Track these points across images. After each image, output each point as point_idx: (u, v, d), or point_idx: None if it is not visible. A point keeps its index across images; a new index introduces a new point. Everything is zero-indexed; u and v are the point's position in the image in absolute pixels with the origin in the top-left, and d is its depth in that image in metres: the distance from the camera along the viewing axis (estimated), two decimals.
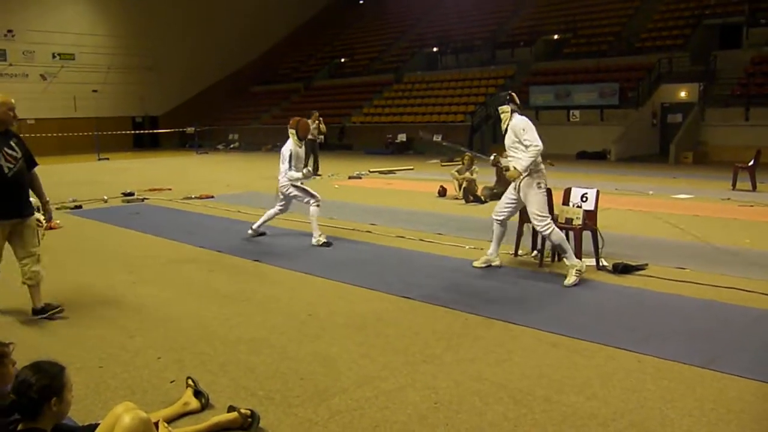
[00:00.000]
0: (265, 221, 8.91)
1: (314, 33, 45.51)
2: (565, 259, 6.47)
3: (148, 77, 37.28)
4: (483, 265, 6.90)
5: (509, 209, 6.78)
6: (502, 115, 6.61)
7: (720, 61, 24.11)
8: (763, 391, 3.83)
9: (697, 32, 26.27)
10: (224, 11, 39.84)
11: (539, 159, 6.46)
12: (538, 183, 6.44)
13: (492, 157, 7.19)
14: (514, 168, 6.45)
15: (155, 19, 37.11)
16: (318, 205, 8.46)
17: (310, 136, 18.02)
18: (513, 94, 6.69)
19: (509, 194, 6.73)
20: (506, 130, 6.57)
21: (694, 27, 26.51)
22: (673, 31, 26.83)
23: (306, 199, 8.51)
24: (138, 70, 36.93)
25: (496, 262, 6.95)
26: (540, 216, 6.43)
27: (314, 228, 8.41)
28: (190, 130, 32.90)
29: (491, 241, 6.98)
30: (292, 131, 8.52)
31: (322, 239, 8.31)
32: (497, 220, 6.84)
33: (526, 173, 6.42)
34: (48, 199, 5.74)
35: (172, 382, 4.08)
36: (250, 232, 8.92)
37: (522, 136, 6.38)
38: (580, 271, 6.30)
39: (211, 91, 40.97)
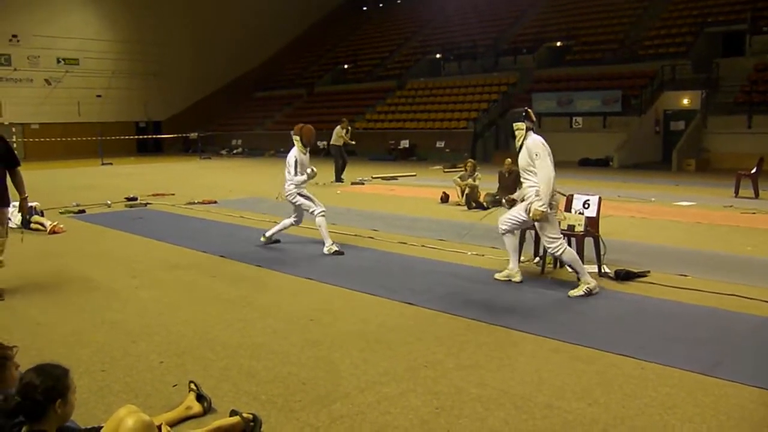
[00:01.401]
0: (278, 231, 8.74)
1: (318, 39, 45.66)
2: (579, 277, 6.27)
3: (152, 83, 37.39)
4: (504, 279, 6.69)
5: (512, 222, 6.56)
6: (516, 132, 6.36)
7: (722, 68, 24.13)
8: (764, 398, 3.84)
9: (700, 40, 26.27)
10: (228, 18, 39.99)
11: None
12: (550, 204, 6.25)
13: (504, 201, 7.00)
14: (537, 209, 6.14)
15: (160, 25, 37.25)
16: (324, 215, 8.36)
17: (335, 143, 18.11)
18: (529, 110, 6.47)
19: (519, 211, 6.51)
20: (521, 148, 6.33)
21: (696, 34, 26.52)
22: (676, 38, 26.85)
23: (312, 209, 8.39)
24: (142, 76, 37.06)
25: (517, 278, 6.67)
26: (551, 238, 6.26)
27: (325, 236, 8.27)
28: (193, 135, 33.02)
29: (509, 256, 6.77)
30: (296, 138, 8.48)
31: (334, 247, 8.18)
32: (502, 230, 6.62)
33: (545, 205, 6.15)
34: (26, 195, 6.50)
35: (174, 386, 4.09)
36: (262, 239, 8.76)
37: (535, 161, 6.18)
38: (590, 289, 6.11)
39: (215, 97, 41.10)
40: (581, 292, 6.11)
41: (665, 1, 29.89)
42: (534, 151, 6.18)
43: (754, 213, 11.29)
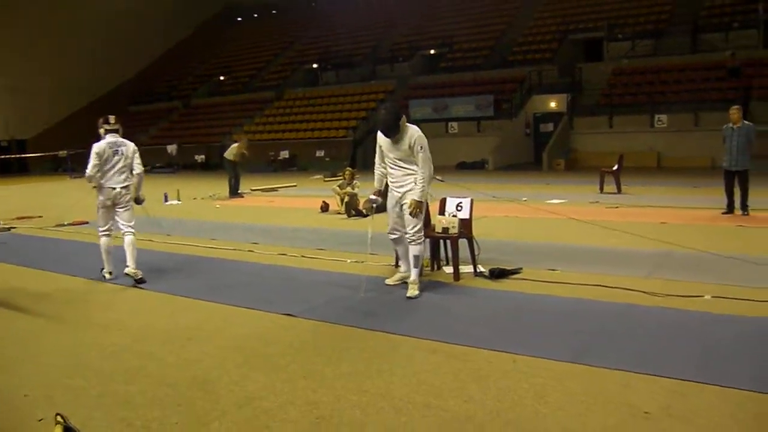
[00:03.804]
0: (107, 257, 7.60)
1: (192, 50, 44.67)
2: (413, 273, 6.41)
3: (11, 99, 35.12)
4: (397, 282, 6.71)
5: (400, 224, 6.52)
6: (402, 125, 6.23)
7: (585, 73, 25.60)
8: (626, 380, 4.08)
9: (564, 46, 27.77)
10: (94, 29, 38.36)
11: None
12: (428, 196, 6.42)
13: (370, 203, 6.78)
14: (415, 201, 6.20)
15: (16, 37, 35.13)
16: (108, 235, 7.55)
17: (231, 158, 17.45)
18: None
19: (396, 210, 6.52)
20: (399, 139, 6.23)
21: (560, 41, 28.01)
22: (542, 45, 28.23)
23: (100, 224, 7.56)
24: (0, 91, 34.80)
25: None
26: (420, 228, 6.34)
27: (105, 259, 7.55)
28: (62, 153, 31.36)
29: (399, 259, 6.90)
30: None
31: (138, 274, 7.28)
32: (392, 237, 6.67)
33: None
34: None
35: (40, 420, 3.86)
36: (129, 273, 7.36)
37: (419, 153, 6.16)
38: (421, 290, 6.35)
39: (84, 112, 39.13)
40: (417, 292, 6.30)
41: (532, 10, 31.35)
42: (419, 144, 6.18)
43: (617, 207, 12.00)
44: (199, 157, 31.90)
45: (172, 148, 32.60)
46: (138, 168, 7.57)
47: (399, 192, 6.41)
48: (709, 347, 4.60)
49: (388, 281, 6.81)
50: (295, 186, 20.16)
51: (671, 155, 21.75)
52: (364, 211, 12.25)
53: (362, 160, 26.53)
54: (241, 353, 4.88)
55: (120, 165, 7.46)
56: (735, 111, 10.62)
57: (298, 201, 15.87)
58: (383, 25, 36.61)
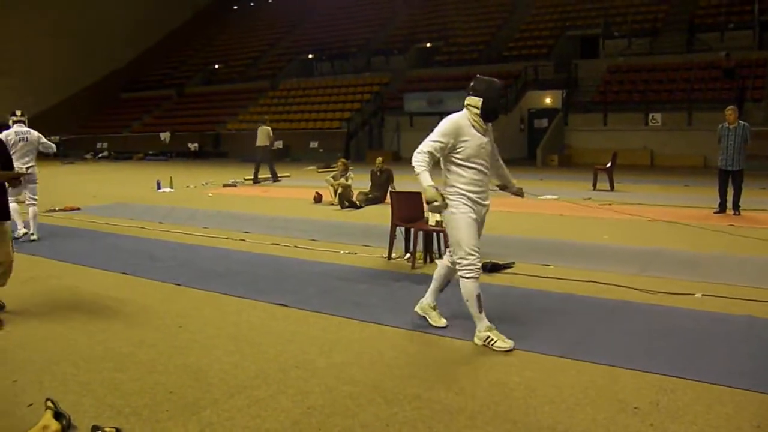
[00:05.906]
0: (17, 216, 9.04)
1: (187, 39, 44.44)
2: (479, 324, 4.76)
3: (2, 82, 34.81)
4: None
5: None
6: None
7: (581, 69, 25.60)
8: (613, 374, 4.10)
9: (560, 42, 27.79)
10: (88, 15, 38.04)
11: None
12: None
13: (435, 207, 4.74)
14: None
15: (10, 20, 34.80)
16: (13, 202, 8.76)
17: (262, 143, 17.70)
18: None
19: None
20: (488, 130, 4.93)
21: (557, 38, 28.02)
22: (538, 41, 28.23)
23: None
24: None
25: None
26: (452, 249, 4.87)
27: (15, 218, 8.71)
28: (54, 138, 31.14)
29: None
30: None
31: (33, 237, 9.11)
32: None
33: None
34: None
35: (29, 405, 3.84)
36: (34, 238, 9.13)
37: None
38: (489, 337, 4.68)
39: (77, 98, 39.00)
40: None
41: (529, 5, 31.34)
42: None
43: (609, 204, 12.02)
44: (193, 146, 31.84)
45: (165, 136, 32.50)
46: (51, 149, 9.84)
47: (486, 204, 4.93)
48: (699, 344, 4.62)
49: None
50: (288, 176, 20.12)
51: (665, 154, 21.81)
52: (357, 202, 12.30)
53: (355, 152, 26.52)
54: (233, 342, 4.87)
55: (23, 150, 9.01)
56: (731, 111, 10.66)
57: (291, 191, 15.84)
58: (379, 17, 36.50)
